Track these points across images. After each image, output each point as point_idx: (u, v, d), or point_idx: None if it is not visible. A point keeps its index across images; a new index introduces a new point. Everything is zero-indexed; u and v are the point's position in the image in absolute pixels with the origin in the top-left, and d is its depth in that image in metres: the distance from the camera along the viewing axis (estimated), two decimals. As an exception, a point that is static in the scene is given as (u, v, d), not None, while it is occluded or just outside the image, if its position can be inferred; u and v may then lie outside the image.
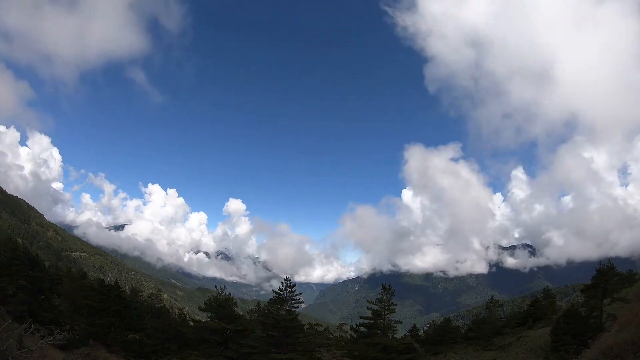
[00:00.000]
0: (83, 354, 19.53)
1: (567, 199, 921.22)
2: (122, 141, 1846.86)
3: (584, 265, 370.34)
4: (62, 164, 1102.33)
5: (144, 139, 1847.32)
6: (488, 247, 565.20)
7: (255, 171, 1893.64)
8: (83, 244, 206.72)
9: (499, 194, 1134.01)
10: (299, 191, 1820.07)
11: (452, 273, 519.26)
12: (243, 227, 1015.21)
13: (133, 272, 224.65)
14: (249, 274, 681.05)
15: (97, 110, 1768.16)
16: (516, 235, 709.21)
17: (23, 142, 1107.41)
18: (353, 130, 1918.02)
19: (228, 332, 27.98)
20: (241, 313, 39.02)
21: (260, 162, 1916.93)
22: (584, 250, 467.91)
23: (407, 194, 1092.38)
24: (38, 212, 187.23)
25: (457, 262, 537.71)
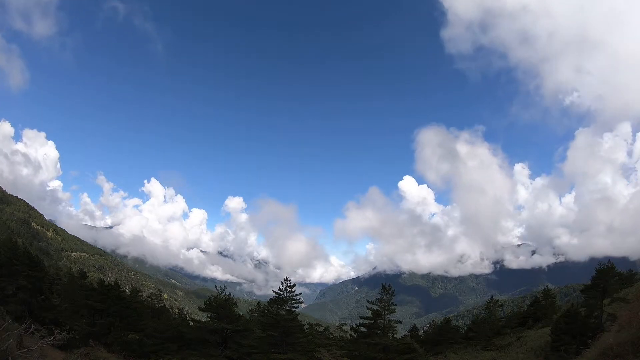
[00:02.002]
0: (83, 354, 19.49)
1: (570, 197, 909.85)
2: (121, 138, 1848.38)
3: (587, 264, 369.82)
4: (59, 161, 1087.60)
5: (143, 136, 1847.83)
6: (487, 247, 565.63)
7: (254, 168, 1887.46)
8: (83, 244, 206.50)
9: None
10: (299, 185, 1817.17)
11: (452, 273, 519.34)
12: (243, 225, 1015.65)
13: (133, 272, 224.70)
14: (249, 274, 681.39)
15: (93, 105, 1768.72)
16: (518, 234, 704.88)
17: (17, 138, 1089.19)
18: (357, 123, 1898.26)
19: (228, 332, 27.97)
20: (241, 313, 39.03)
21: (259, 159, 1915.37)
22: (587, 249, 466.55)
23: (410, 184, 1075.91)
24: (38, 212, 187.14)
25: (459, 262, 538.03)
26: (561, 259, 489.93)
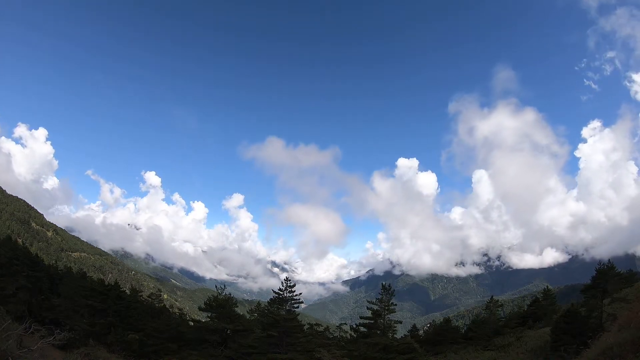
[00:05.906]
0: (83, 354, 19.48)
1: (573, 194, 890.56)
2: (119, 136, 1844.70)
3: (588, 264, 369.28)
4: (54, 159, 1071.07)
5: (141, 134, 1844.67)
6: (488, 247, 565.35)
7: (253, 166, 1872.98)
8: (83, 244, 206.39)
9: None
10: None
11: (452, 273, 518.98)
12: (244, 223, 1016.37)
13: (133, 272, 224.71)
14: (249, 272, 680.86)
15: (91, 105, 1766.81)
16: (518, 234, 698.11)
17: (9, 134, 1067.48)
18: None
19: (228, 332, 27.99)
20: (241, 313, 39.05)
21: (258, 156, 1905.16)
22: (589, 249, 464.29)
23: (408, 169, 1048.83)
24: (38, 212, 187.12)
25: (459, 261, 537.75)
26: (562, 258, 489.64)
